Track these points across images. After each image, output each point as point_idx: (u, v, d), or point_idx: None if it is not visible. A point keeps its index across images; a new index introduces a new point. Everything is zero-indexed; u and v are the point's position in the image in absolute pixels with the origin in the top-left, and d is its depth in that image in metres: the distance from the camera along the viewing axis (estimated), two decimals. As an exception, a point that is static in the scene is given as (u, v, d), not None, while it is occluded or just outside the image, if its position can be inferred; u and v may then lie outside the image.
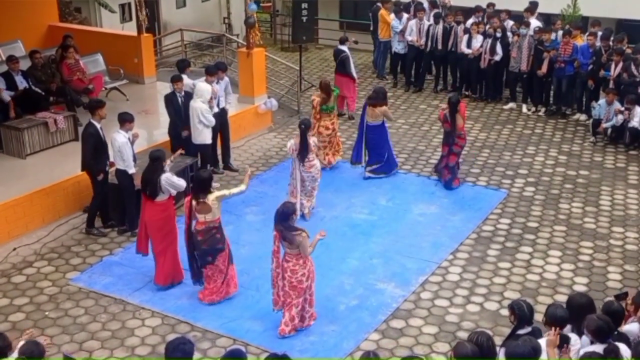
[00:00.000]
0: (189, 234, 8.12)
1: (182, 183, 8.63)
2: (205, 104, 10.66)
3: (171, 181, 8.46)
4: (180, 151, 9.66)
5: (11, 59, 12.17)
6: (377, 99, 11.24)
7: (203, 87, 10.76)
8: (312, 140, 10.11)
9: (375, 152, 11.43)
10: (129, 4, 20.34)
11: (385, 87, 12.74)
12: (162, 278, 8.63)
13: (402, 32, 15.89)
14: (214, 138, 11.22)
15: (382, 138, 11.39)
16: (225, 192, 8.20)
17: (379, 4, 16.94)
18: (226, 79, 11.89)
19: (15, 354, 5.58)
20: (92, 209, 9.94)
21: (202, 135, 10.84)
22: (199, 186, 8.09)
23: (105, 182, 9.75)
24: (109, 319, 8.15)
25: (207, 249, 8.10)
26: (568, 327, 5.94)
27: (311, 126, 10.17)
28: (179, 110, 10.94)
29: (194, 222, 8.08)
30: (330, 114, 11.72)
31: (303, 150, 9.92)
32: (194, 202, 7.99)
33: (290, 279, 7.56)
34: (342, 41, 14.54)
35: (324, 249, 9.34)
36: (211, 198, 7.96)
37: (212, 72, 11.21)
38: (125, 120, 9.53)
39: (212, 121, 10.76)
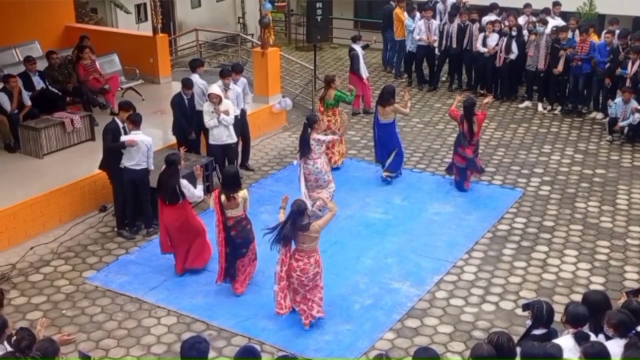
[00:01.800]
0: (224, 229, 8.17)
1: (199, 194, 8.78)
2: (210, 106, 10.56)
3: (191, 192, 8.63)
4: (183, 149, 9.84)
5: (28, 60, 12.27)
6: (385, 99, 11.19)
7: (210, 88, 10.80)
8: (317, 137, 9.91)
9: (385, 149, 11.34)
10: (145, 4, 20.44)
11: (394, 85, 12.65)
12: (181, 268, 8.84)
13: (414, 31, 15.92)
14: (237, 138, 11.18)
15: (391, 135, 11.27)
16: (247, 202, 8.23)
17: (392, 3, 16.98)
18: (244, 80, 11.88)
19: None
20: (117, 211, 9.98)
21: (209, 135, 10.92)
22: (227, 182, 8.20)
23: (122, 179, 9.77)
24: (125, 318, 8.20)
25: (241, 242, 8.23)
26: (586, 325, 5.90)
27: (316, 122, 10.04)
28: (186, 113, 10.99)
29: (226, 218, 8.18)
30: (329, 111, 11.65)
31: (302, 145, 9.90)
32: (223, 198, 8.07)
33: (300, 278, 7.58)
34: (354, 39, 14.70)
35: (339, 248, 9.38)
36: (240, 195, 8.07)
37: (225, 74, 11.18)
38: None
39: (208, 124, 10.63)
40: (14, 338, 5.76)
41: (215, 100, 10.46)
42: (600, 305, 5.98)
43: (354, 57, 14.36)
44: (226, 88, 11.09)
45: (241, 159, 11.93)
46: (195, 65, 11.79)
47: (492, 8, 15.94)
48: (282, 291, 7.75)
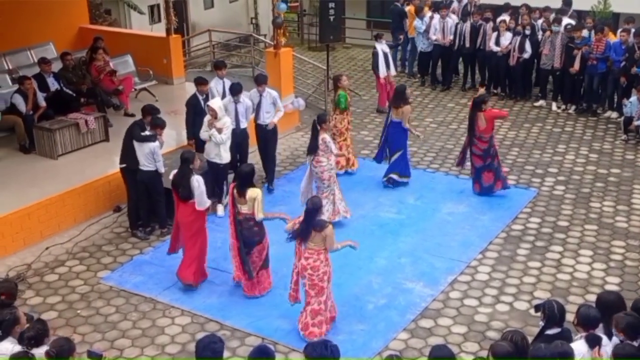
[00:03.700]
0: (234, 221, 8.21)
1: (207, 201, 8.61)
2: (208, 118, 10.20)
3: (200, 191, 8.46)
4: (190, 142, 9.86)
5: (43, 61, 12.36)
6: (397, 100, 11.12)
7: (212, 101, 10.26)
8: (326, 138, 9.78)
9: (392, 146, 11.16)
10: (158, 5, 20.55)
11: (407, 85, 12.60)
12: (186, 274, 8.66)
13: (427, 31, 15.88)
14: (233, 156, 10.65)
15: (400, 135, 11.11)
16: (259, 203, 8.13)
17: (397, 3, 17.07)
18: (273, 93, 11.15)
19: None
20: (130, 211, 10.02)
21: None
22: (240, 180, 8.23)
23: (136, 180, 9.80)
24: (140, 318, 8.24)
25: (246, 240, 8.25)
26: (600, 326, 5.86)
27: (325, 121, 9.92)
28: (201, 114, 10.55)
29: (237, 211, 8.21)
30: (339, 112, 11.51)
31: (311, 144, 9.83)
32: (235, 192, 8.14)
33: (311, 276, 7.54)
34: (376, 38, 14.94)
35: (352, 248, 9.35)
36: (248, 195, 8.07)
37: (235, 91, 10.64)
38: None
39: (201, 134, 10.15)
40: (27, 326, 5.82)
41: (212, 114, 9.94)
42: (613, 306, 5.93)
43: (372, 56, 14.66)
44: (236, 102, 10.67)
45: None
46: (214, 67, 11.73)
47: (506, 9, 15.89)
48: (290, 283, 7.84)
